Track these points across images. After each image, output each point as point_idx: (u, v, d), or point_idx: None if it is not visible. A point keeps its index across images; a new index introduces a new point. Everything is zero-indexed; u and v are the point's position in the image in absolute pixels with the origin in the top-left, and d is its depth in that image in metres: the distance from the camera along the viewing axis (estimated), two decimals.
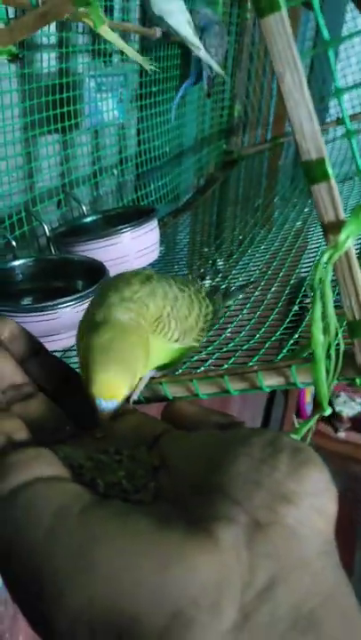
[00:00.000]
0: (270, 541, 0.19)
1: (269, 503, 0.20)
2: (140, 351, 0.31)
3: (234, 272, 0.78)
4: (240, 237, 0.94)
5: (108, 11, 0.86)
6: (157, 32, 0.91)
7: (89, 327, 0.31)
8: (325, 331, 0.29)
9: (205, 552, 0.19)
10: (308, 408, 2.49)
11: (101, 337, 0.30)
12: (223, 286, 0.68)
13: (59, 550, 0.19)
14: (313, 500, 0.20)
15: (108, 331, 0.30)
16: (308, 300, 0.61)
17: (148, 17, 0.90)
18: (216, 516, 0.20)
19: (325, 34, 0.23)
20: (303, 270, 0.74)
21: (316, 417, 0.31)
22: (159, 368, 0.38)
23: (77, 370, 0.32)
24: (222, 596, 0.18)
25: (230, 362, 0.42)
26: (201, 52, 0.93)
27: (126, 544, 0.19)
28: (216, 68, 0.97)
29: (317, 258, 0.28)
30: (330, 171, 0.26)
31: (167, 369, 0.38)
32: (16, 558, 0.20)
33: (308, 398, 2.48)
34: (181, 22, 0.88)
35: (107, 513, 0.20)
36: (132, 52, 0.57)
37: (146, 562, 0.18)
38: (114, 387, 0.29)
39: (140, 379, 0.36)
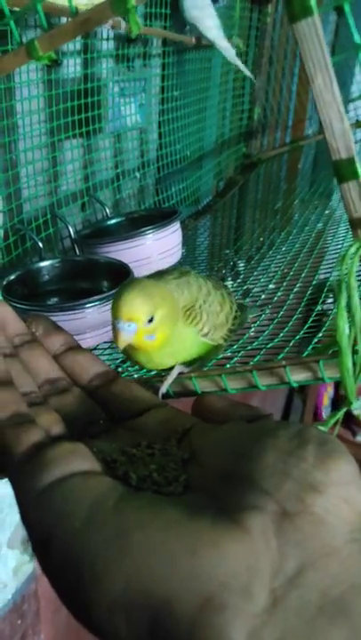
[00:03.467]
0: (298, 529, 0.20)
1: (297, 493, 0.20)
2: (167, 296, 0.34)
3: (255, 273, 0.78)
4: (260, 240, 0.94)
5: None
6: (193, 39, 0.93)
7: None
8: (351, 323, 0.30)
9: (235, 539, 0.19)
10: (326, 411, 2.48)
11: (132, 281, 0.33)
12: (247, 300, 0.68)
13: (96, 538, 0.20)
14: (340, 489, 0.21)
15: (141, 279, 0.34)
16: (330, 301, 0.62)
17: (180, 24, 0.92)
18: (245, 506, 0.20)
19: (357, 38, 0.24)
20: (325, 272, 0.74)
21: (344, 410, 0.32)
22: (187, 364, 0.38)
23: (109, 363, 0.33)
24: (253, 581, 0.18)
25: (256, 359, 0.42)
26: (230, 53, 0.95)
27: (158, 532, 0.20)
28: (241, 67, 0.99)
29: (343, 251, 0.28)
30: (359, 169, 0.26)
31: (195, 365, 0.39)
32: (55, 547, 0.21)
33: (326, 402, 2.47)
34: (211, 28, 0.90)
35: (139, 504, 0.21)
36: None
37: (177, 548, 0.19)
38: (133, 310, 0.31)
39: (169, 373, 0.37)
